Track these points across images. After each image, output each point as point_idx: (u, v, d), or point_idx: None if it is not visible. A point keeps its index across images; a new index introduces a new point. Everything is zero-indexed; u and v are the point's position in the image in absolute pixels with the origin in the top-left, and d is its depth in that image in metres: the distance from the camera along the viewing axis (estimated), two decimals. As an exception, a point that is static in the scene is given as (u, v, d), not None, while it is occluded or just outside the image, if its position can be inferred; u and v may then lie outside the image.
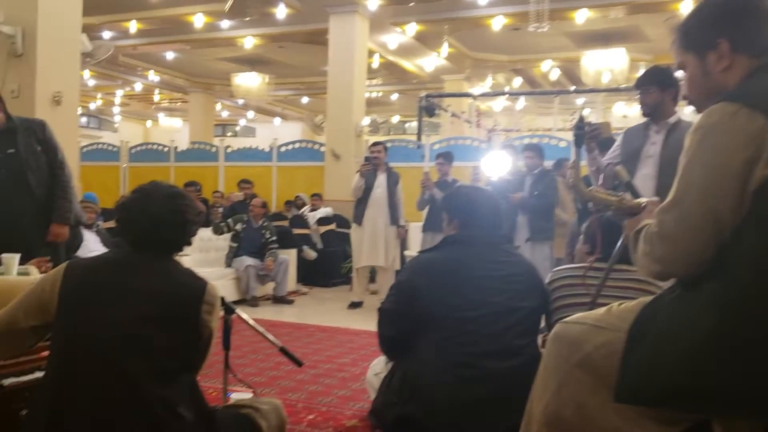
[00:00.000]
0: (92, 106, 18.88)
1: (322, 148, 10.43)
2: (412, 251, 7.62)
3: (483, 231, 2.58)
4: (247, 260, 6.99)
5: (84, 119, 20.06)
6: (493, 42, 11.83)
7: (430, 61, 12.92)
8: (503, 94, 11.51)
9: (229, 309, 2.48)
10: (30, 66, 6.53)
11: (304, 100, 17.70)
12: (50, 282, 2.00)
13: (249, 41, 11.80)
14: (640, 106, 3.35)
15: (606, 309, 1.60)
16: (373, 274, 7.18)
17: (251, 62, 13.79)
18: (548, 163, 6.36)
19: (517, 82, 14.55)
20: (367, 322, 5.73)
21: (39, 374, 2.19)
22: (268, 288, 7.27)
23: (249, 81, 13.74)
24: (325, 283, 8.40)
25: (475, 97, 10.26)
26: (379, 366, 2.88)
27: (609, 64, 10.71)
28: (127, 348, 1.88)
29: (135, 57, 13.85)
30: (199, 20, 10.62)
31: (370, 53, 11.32)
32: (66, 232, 3.94)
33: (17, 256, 3.28)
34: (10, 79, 6.53)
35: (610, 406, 1.45)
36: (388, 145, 7.51)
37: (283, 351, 2.53)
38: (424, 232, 6.75)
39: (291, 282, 7.62)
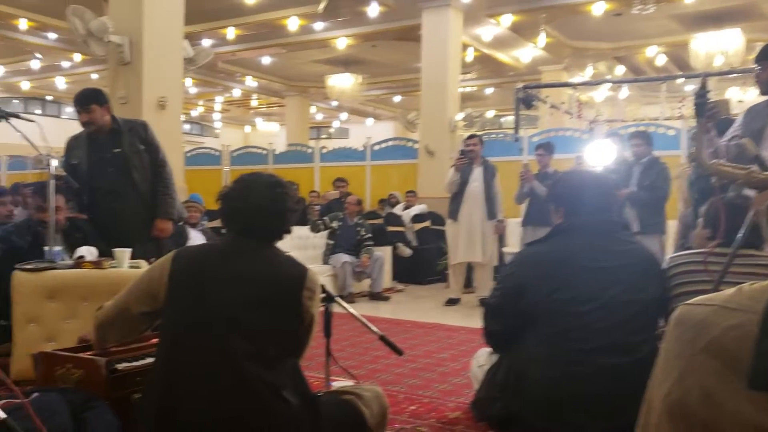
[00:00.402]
0: (194, 113, 19.79)
1: (416, 145, 10.42)
2: (511, 248, 7.46)
3: (591, 218, 2.45)
4: (344, 257, 7.09)
5: (187, 126, 21.07)
6: (593, 29, 11.42)
7: (527, 53, 12.63)
8: (605, 82, 11.04)
9: (329, 297, 2.51)
10: (137, 73, 6.92)
11: (397, 98, 17.79)
12: (159, 269, 2.09)
13: (342, 42, 11.99)
14: (758, 84, 3.12)
15: (736, 289, 1.48)
16: (469, 271, 7.09)
17: (344, 63, 14.01)
18: (657, 153, 6.04)
19: (620, 70, 13.99)
20: (465, 319, 5.66)
21: (150, 360, 2.28)
22: (364, 285, 7.34)
23: (342, 82, 13.95)
24: (420, 280, 8.41)
25: (575, 87, 9.92)
26: (482, 358, 2.82)
27: (722, 46, 10.08)
28: (233, 332, 1.93)
29: (233, 63, 14.38)
30: (293, 23, 10.89)
31: (464, 47, 11.21)
32: (170, 227, 4.13)
33: (128, 251, 3.48)
34: (119, 86, 6.95)
35: (742, 393, 1.32)
36: (484, 138, 7.38)
37: (383, 339, 2.53)
38: (524, 226, 6.59)
39: (386, 279, 7.66)
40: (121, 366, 2.30)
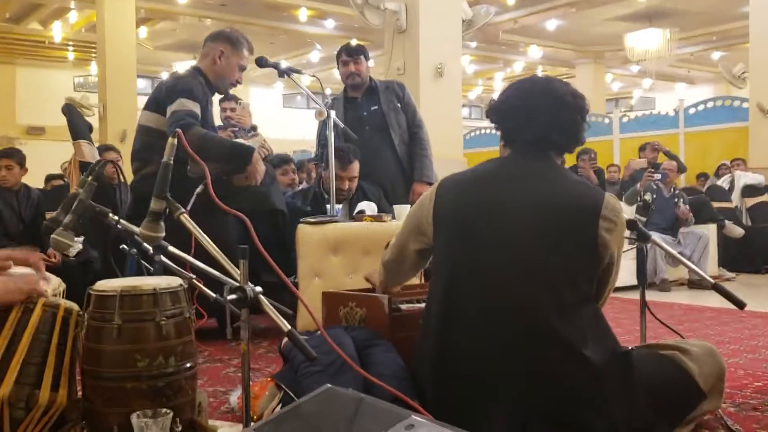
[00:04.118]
0: (473, 95, 20.28)
1: (744, 104, 9.40)
2: None
3: None
4: (655, 237, 6.59)
5: (465, 110, 21.68)
6: None
7: None
8: None
9: (642, 234, 2.30)
10: (413, 40, 7.26)
11: (715, 55, 16.23)
12: (426, 201, 2.08)
13: (645, -11, 11.32)
14: None
15: None
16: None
17: (648, 16, 13.19)
18: None
19: None
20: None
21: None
22: (682, 272, 6.76)
23: (646, 40, 13.13)
24: (755, 268, 7.62)
25: None
26: None
27: None
28: (512, 272, 1.84)
29: (515, 32, 14.42)
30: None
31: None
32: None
33: (407, 206, 3.61)
34: (396, 56, 7.36)
35: None
36: None
37: (718, 288, 2.24)
38: None
39: (711, 265, 6.96)
40: (404, 306, 2.37)
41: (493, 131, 12.75)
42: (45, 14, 13.38)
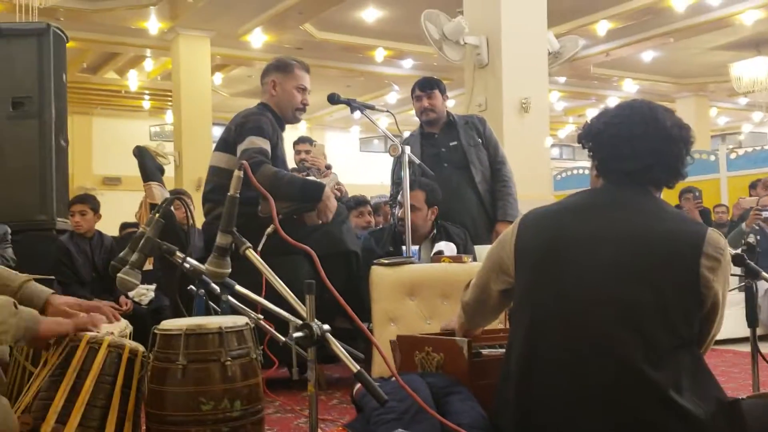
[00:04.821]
0: (563, 133, 20.10)
1: None
2: None
3: None
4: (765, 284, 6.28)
5: (555, 151, 21.48)
6: None
7: None
8: None
9: (751, 271, 2.21)
10: (495, 75, 7.28)
11: (836, 84, 15.63)
12: (508, 236, 2.05)
13: (750, 16, 11.03)
14: None
15: None
16: None
17: (755, 44, 12.89)
18: None
19: None
20: None
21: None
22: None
23: (754, 69, 12.78)
24: None
25: None
26: None
27: None
28: (604, 314, 1.79)
29: (607, 65, 14.28)
30: (680, 3, 10.39)
31: None
32: None
33: (488, 247, 3.58)
34: (477, 92, 7.39)
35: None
36: None
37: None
38: None
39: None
40: (485, 351, 2.34)
41: (586, 171, 12.58)
42: (121, 63, 14.12)
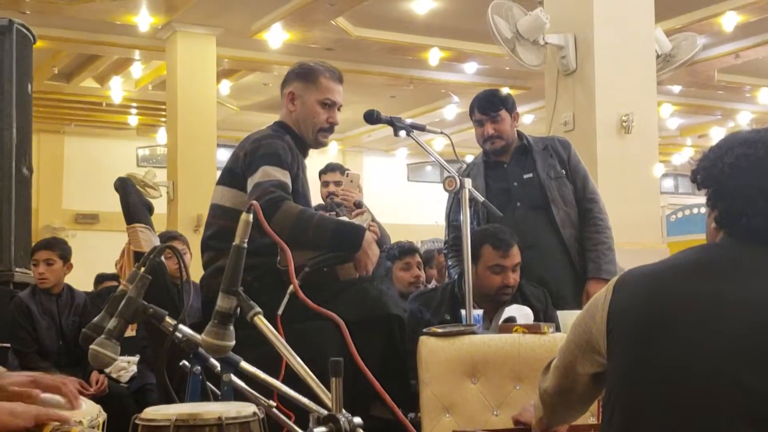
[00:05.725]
0: (677, 159, 19.95)
1: None
2: None
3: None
4: None
5: (668, 182, 21.33)
6: None
7: None
8: None
9: None
10: (586, 84, 7.27)
11: None
12: (600, 302, 2.04)
13: None
14: None
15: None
16: None
17: None
18: None
19: None
20: None
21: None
22: None
23: None
24: None
25: None
26: None
27: None
28: (728, 404, 1.78)
29: (738, 71, 14.18)
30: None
31: None
32: None
33: (575, 312, 3.56)
34: (561, 106, 7.39)
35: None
36: None
37: None
38: None
39: None
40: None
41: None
42: (102, 68, 14.40)
